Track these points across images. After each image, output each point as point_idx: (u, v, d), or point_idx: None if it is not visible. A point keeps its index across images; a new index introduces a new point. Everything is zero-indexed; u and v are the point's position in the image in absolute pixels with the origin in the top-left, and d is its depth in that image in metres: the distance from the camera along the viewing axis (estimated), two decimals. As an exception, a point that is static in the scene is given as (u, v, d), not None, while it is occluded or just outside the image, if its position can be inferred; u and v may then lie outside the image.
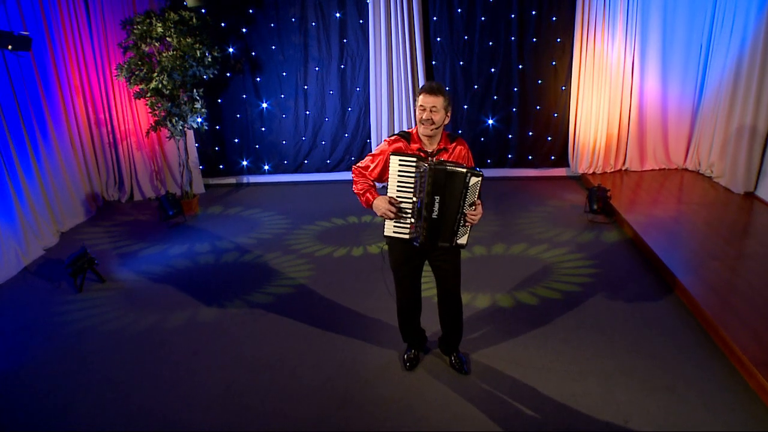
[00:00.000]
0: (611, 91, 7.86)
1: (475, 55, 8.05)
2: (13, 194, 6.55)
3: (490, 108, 8.26)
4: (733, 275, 5.07)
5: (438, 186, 3.47)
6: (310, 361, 4.34)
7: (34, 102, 7.10)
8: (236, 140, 8.72)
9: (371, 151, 8.30)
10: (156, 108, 7.35)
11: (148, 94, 7.28)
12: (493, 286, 5.37)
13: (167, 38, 7.20)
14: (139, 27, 7.14)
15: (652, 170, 8.19)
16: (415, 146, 3.66)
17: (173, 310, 5.24)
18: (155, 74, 7.12)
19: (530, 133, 8.32)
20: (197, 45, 7.26)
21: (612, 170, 8.22)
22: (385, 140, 3.79)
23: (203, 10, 7.93)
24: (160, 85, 7.13)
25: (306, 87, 8.40)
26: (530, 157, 8.42)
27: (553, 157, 8.39)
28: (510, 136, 8.35)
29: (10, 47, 6.19)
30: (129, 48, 7.24)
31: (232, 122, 8.65)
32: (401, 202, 3.61)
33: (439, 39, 8.04)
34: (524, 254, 6.04)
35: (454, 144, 3.70)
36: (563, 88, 8.08)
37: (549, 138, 8.32)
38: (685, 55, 7.72)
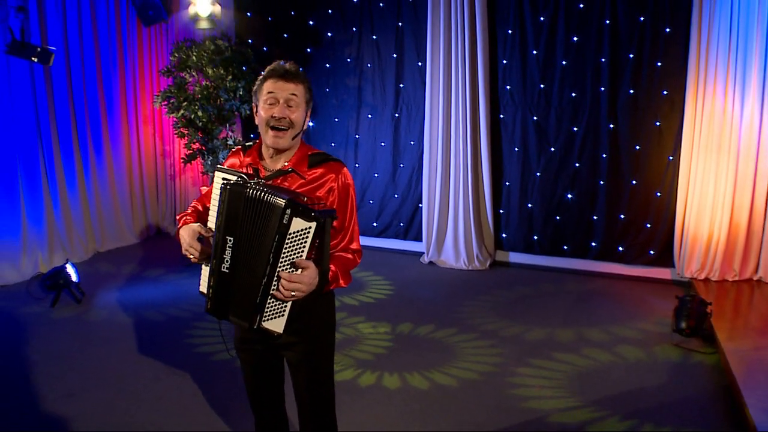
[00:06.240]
0: (739, 166, 5.57)
1: (553, 108, 6.33)
2: (47, 202, 6.68)
3: (570, 178, 6.38)
4: None
5: (233, 219, 2.12)
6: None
7: (93, 121, 7.18)
8: (284, 190, 7.88)
9: (423, 220, 7.00)
10: (184, 136, 6.88)
11: (179, 125, 6.85)
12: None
13: (206, 68, 6.75)
14: (176, 54, 6.81)
15: (801, 286, 5.55)
16: (248, 160, 2.34)
17: (98, 355, 4.51)
18: (183, 103, 6.66)
19: (622, 216, 6.21)
20: (230, 77, 6.69)
21: (735, 278, 5.72)
22: None
23: (265, 48, 7.45)
24: (193, 116, 6.65)
25: (357, 136, 7.34)
26: (621, 249, 6.25)
27: (652, 252, 6.12)
28: (595, 217, 6.32)
29: (34, 59, 6.14)
30: (171, 75, 6.93)
31: (281, 170, 7.86)
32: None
33: (508, 87, 6.49)
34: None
35: (319, 170, 2.29)
36: (670, 158, 5.95)
37: (648, 225, 6.11)
38: None
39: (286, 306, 2.15)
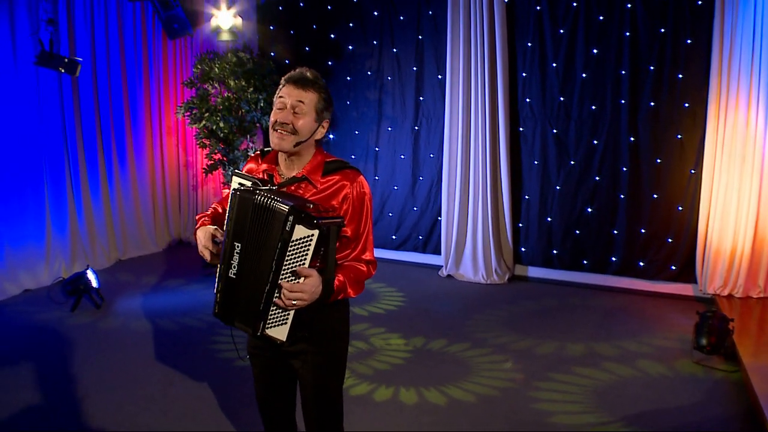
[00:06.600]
0: (764, 179, 5.47)
1: (573, 121, 6.29)
2: (72, 210, 6.83)
3: (590, 192, 6.31)
4: None
5: (241, 225, 2.13)
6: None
7: (117, 131, 7.36)
8: (303, 202, 7.93)
9: (442, 233, 6.97)
10: (205, 147, 6.96)
11: (201, 135, 6.95)
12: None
13: (228, 80, 6.85)
14: (199, 66, 6.93)
15: (830, 305, 5.40)
16: (264, 166, 2.36)
17: (114, 360, 4.59)
18: (205, 114, 6.75)
19: (643, 231, 6.11)
20: (251, 89, 6.77)
21: (760, 295, 5.59)
22: None
23: (287, 61, 7.53)
24: (214, 127, 6.74)
25: (377, 149, 7.37)
26: (641, 264, 6.15)
27: (673, 267, 6.02)
28: (615, 231, 6.24)
29: (61, 69, 6.30)
30: (194, 86, 7.04)
31: (301, 182, 7.92)
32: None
33: (528, 100, 6.47)
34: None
35: (334, 178, 2.28)
36: (692, 171, 5.86)
37: (669, 239, 6.02)
38: None
39: (288, 314, 2.14)
